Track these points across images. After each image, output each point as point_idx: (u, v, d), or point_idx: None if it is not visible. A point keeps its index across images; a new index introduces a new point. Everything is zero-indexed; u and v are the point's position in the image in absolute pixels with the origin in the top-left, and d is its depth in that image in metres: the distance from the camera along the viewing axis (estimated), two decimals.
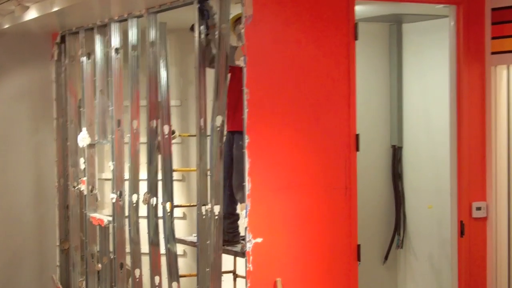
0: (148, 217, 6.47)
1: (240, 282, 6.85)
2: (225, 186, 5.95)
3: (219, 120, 5.55)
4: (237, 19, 5.77)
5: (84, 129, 7.70)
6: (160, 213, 6.38)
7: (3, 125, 8.94)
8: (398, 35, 7.44)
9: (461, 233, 6.11)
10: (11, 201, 8.99)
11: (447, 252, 6.45)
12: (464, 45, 6.05)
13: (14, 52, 8.94)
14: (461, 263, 6.14)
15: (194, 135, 7.81)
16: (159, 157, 6.38)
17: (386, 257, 7.58)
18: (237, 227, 6.17)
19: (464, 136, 6.10)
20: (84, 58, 7.72)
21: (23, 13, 6.99)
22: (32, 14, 7.19)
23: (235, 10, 5.57)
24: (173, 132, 6.61)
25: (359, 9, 5.69)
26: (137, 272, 6.76)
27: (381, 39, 7.50)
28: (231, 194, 6.09)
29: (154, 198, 6.47)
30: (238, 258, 6.80)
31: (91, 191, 7.67)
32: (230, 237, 6.08)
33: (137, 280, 6.77)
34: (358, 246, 5.65)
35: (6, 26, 8.09)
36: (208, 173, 5.68)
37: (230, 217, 6.10)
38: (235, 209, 6.16)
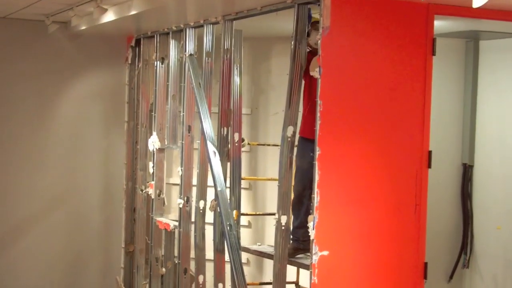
0: (214, 223, 6.47)
1: None
2: (305, 196, 5.90)
3: (290, 130, 5.53)
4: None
5: (154, 133, 7.75)
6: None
7: (75, 125, 9.07)
8: (475, 52, 7.34)
9: None
10: (79, 201, 9.11)
11: None
12: None
13: (89, 54, 9.07)
14: None
15: (263, 144, 7.90)
16: (228, 164, 6.39)
17: (451, 276, 7.48)
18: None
19: None
20: (158, 63, 7.78)
21: (101, 15, 7.06)
22: (109, 16, 7.27)
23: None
24: (243, 140, 6.61)
25: (437, 24, 5.61)
26: (200, 278, 6.77)
27: (457, 55, 7.41)
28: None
29: None
30: (301, 269, 6.78)
31: (159, 195, 7.72)
32: (306, 245, 6.02)
33: (201, 286, 6.78)
34: (425, 264, 5.57)
35: (83, 27, 8.19)
36: (277, 183, 5.65)
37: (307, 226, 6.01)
38: None
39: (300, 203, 6.09)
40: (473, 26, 6.57)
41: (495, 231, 7.23)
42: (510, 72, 7.01)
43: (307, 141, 5.80)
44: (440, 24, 6.22)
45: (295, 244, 6.04)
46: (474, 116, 7.39)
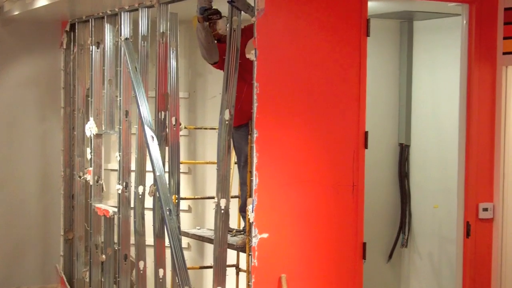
0: (153, 209, 6.44)
1: (243, 276, 6.84)
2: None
3: (227, 113, 5.52)
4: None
5: (91, 119, 7.68)
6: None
7: (10, 112, 8.93)
8: (409, 33, 7.40)
9: (467, 234, 6.08)
10: (16, 189, 8.98)
11: (452, 253, 6.42)
12: (475, 44, 6.01)
13: (23, 39, 8.93)
14: (466, 264, 6.10)
15: (200, 128, 7.88)
16: (166, 149, 6.36)
17: (390, 256, 7.56)
18: None
19: (473, 136, 6.06)
20: (93, 47, 7.69)
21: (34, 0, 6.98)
22: (42, 1, 7.17)
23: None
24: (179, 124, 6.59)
25: (371, 5, 5.66)
26: (141, 264, 6.74)
27: (391, 36, 7.47)
28: None
29: None
30: (241, 252, 6.80)
31: (97, 181, 7.66)
32: None
33: (141, 272, 6.76)
34: (364, 244, 5.63)
35: (16, 12, 8.07)
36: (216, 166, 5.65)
37: None
38: None
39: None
40: (406, 6, 6.62)
41: (431, 210, 7.32)
42: (443, 51, 7.09)
43: (241, 126, 5.86)
44: (374, 5, 6.27)
45: None
46: (410, 96, 7.47)
